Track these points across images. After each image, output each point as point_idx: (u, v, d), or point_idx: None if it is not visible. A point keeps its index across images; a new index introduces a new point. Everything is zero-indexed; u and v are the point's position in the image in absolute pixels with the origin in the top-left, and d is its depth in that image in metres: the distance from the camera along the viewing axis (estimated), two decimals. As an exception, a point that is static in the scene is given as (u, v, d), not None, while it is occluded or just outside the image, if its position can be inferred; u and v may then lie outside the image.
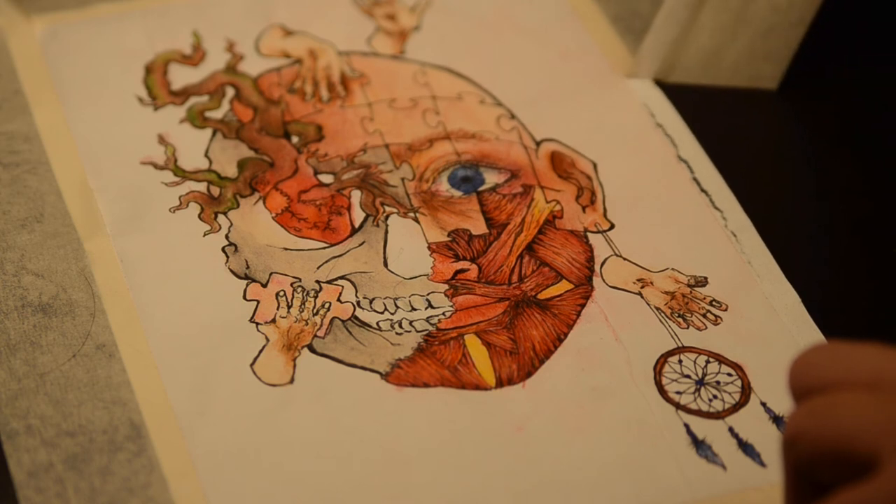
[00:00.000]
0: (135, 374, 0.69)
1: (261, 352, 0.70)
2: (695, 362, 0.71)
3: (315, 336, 0.71)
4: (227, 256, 0.75)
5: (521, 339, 0.72)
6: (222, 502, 0.65)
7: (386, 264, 0.75)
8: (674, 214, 0.78)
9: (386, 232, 0.76)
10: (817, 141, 0.85)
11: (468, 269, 0.75)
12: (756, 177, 0.81)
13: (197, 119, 0.81)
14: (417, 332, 0.72)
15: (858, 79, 0.87)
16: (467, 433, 0.68)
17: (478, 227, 0.77)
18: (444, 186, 0.79)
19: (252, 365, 0.70)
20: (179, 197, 0.77)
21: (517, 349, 0.71)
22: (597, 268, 0.75)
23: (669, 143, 0.82)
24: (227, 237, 0.75)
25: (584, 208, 0.78)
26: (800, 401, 0.53)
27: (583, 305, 0.73)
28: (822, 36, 0.86)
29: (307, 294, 0.73)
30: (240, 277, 0.74)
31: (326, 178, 0.79)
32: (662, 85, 0.86)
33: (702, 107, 0.85)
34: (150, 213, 0.76)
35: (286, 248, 0.75)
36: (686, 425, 0.69)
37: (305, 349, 0.71)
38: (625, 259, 0.76)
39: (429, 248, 0.76)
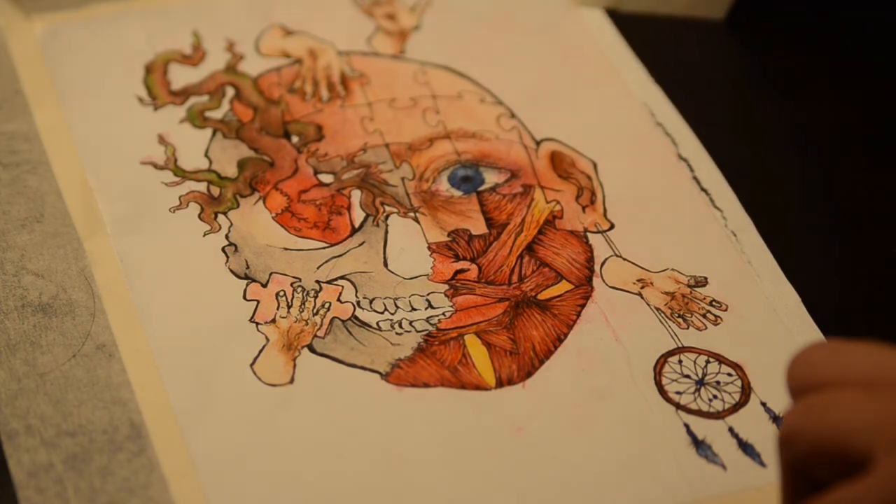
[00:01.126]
0: (135, 374, 0.69)
1: (261, 352, 0.70)
2: (695, 362, 0.71)
3: (315, 336, 0.71)
4: (227, 256, 0.74)
5: (521, 339, 0.72)
6: (222, 502, 0.65)
7: (386, 264, 0.75)
8: (674, 214, 0.78)
9: (386, 232, 0.76)
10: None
11: (468, 270, 0.75)
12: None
13: (197, 119, 0.81)
14: (417, 332, 0.72)
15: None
16: (467, 433, 0.68)
17: (478, 227, 0.77)
18: (444, 186, 0.79)
19: (252, 365, 0.70)
20: (179, 197, 0.77)
21: (517, 349, 0.71)
22: (597, 268, 0.75)
23: (669, 142, 0.82)
24: (227, 237, 0.75)
25: (583, 208, 0.78)
26: (797, 398, 0.53)
27: (583, 306, 0.73)
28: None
29: (307, 294, 0.73)
30: (240, 277, 0.74)
31: (326, 178, 0.79)
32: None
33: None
34: (150, 213, 0.76)
35: (286, 248, 0.75)
36: (686, 425, 0.69)
37: (305, 349, 0.71)
38: (625, 259, 0.76)
39: (429, 248, 0.76)
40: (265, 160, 0.79)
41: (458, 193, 0.78)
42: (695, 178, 0.80)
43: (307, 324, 0.72)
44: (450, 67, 0.85)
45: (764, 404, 0.70)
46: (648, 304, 0.74)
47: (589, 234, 0.77)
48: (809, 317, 0.73)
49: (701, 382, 0.70)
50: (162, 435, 0.67)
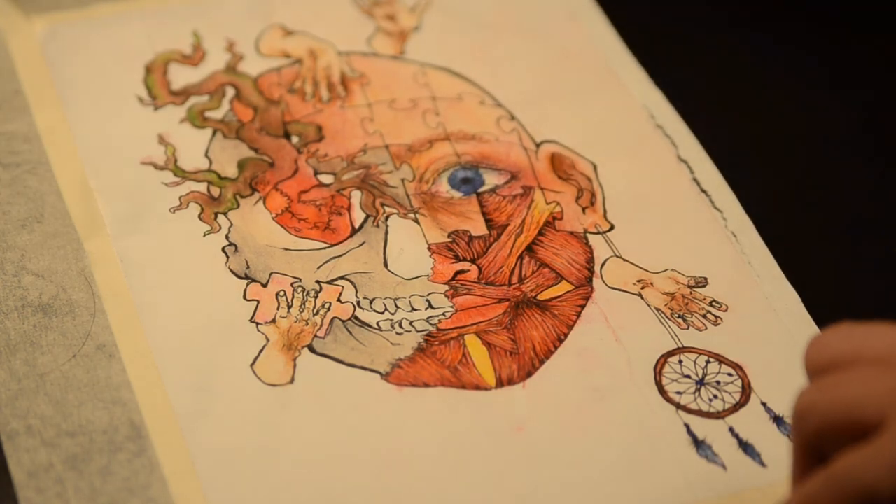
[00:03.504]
0: (135, 374, 0.69)
1: (261, 352, 0.70)
2: (695, 362, 0.71)
3: (315, 336, 0.71)
4: (228, 256, 0.74)
5: (521, 339, 0.72)
6: (222, 502, 0.65)
7: (386, 265, 0.75)
8: (674, 215, 0.78)
9: (386, 232, 0.76)
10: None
11: (468, 270, 0.75)
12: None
13: (197, 119, 0.81)
14: (417, 332, 0.72)
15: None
16: (467, 433, 0.68)
17: (478, 228, 0.77)
18: (443, 187, 0.79)
19: (252, 365, 0.70)
20: (179, 197, 0.77)
21: (517, 349, 0.71)
22: (597, 269, 0.75)
23: (669, 144, 0.82)
24: (227, 237, 0.75)
25: (583, 209, 0.78)
26: (813, 379, 0.53)
27: (583, 306, 0.73)
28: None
29: (307, 294, 0.73)
30: (240, 277, 0.74)
31: (326, 179, 0.79)
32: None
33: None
34: (150, 213, 0.76)
35: (286, 249, 0.75)
36: (686, 425, 0.69)
37: (305, 349, 0.71)
38: (625, 260, 0.76)
39: (429, 248, 0.76)
40: (265, 160, 0.79)
41: (458, 195, 0.79)
42: (695, 180, 0.80)
43: (307, 324, 0.72)
44: (450, 69, 0.85)
45: (764, 404, 0.70)
46: (648, 305, 0.74)
47: (589, 235, 0.77)
48: (809, 317, 0.73)
49: (701, 382, 0.70)
50: (162, 435, 0.67)
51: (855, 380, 0.51)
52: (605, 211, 0.78)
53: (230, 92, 0.83)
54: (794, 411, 0.52)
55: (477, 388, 0.70)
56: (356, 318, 0.72)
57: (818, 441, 0.52)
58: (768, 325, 0.73)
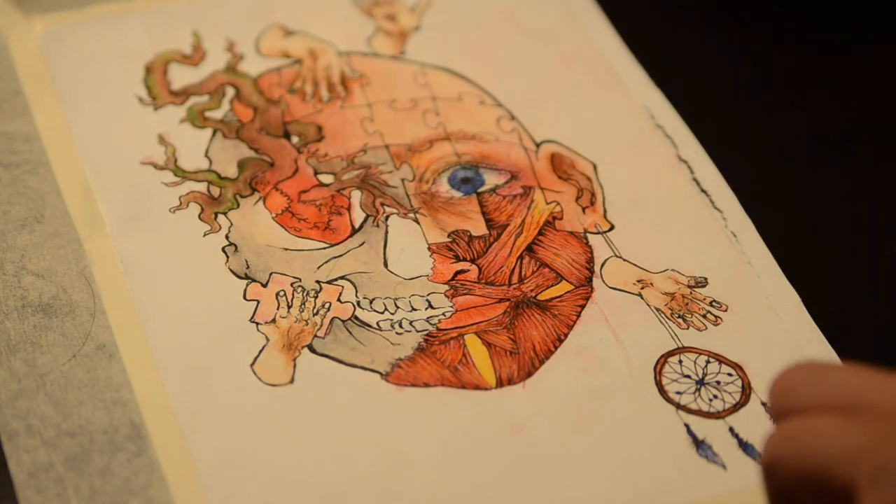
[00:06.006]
0: (135, 375, 0.69)
1: (261, 352, 0.70)
2: (695, 362, 0.71)
3: (315, 336, 0.71)
4: (227, 256, 0.74)
5: (521, 339, 0.72)
6: (222, 502, 0.65)
7: (386, 265, 0.75)
8: (674, 215, 0.78)
9: (386, 232, 0.76)
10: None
11: (468, 270, 0.75)
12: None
13: (197, 119, 0.81)
14: (417, 331, 0.72)
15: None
16: (467, 433, 0.68)
17: (478, 228, 0.77)
18: (444, 187, 0.79)
19: (252, 365, 0.70)
20: (179, 197, 0.77)
21: (517, 349, 0.71)
22: (597, 269, 0.75)
23: (669, 144, 0.82)
24: (227, 237, 0.75)
25: (583, 209, 0.78)
26: (778, 421, 0.52)
27: (583, 306, 0.73)
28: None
29: (307, 294, 0.73)
30: (240, 277, 0.74)
31: (326, 179, 0.79)
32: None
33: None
34: (150, 213, 0.76)
35: (286, 248, 0.75)
36: (686, 425, 0.69)
37: (305, 349, 0.71)
38: (625, 260, 0.76)
39: (429, 248, 0.76)
40: (265, 160, 0.79)
41: (458, 194, 0.79)
42: (695, 180, 0.80)
43: (307, 324, 0.72)
44: (450, 69, 0.85)
45: (764, 404, 0.70)
46: (648, 305, 0.74)
47: (589, 235, 0.77)
48: (809, 317, 0.73)
49: (701, 382, 0.70)
50: (162, 435, 0.67)
51: (821, 434, 0.50)
52: (605, 211, 0.78)
53: (230, 92, 0.83)
54: (764, 462, 0.52)
55: (477, 388, 0.70)
56: (356, 317, 0.72)
57: (791, 492, 0.51)
58: (768, 325, 0.73)
